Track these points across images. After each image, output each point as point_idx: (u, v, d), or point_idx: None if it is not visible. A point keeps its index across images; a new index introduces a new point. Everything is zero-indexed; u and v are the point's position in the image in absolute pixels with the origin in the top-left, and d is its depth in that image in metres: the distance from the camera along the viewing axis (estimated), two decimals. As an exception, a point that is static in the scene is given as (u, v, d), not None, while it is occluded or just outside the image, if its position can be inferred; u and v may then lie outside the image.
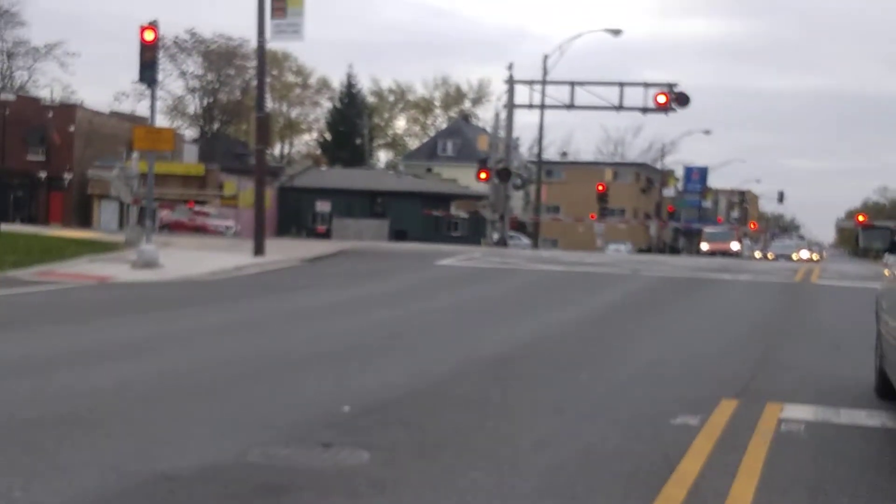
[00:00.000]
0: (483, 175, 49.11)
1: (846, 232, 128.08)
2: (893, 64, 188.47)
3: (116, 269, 22.28)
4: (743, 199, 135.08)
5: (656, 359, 12.29)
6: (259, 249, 28.17)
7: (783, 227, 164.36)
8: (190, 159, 69.97)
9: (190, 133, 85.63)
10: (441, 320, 15.80)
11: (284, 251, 29.64)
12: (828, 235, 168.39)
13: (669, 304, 19.31)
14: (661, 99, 45.82)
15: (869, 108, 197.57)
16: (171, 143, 26.18)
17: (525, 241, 63.09)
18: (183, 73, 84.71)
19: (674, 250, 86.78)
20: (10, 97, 65.30)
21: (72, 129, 63.89)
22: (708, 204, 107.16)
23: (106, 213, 61.40)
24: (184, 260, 25.07)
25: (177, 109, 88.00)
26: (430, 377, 10.24)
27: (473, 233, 66.53)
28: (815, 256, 79.10)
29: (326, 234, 65.80)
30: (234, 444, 7.07)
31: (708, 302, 20.19)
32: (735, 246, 71.75)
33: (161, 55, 79.42)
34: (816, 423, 8.60)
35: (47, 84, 72.85)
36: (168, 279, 21.25)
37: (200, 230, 54.83)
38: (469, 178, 67.48)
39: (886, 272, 9.99)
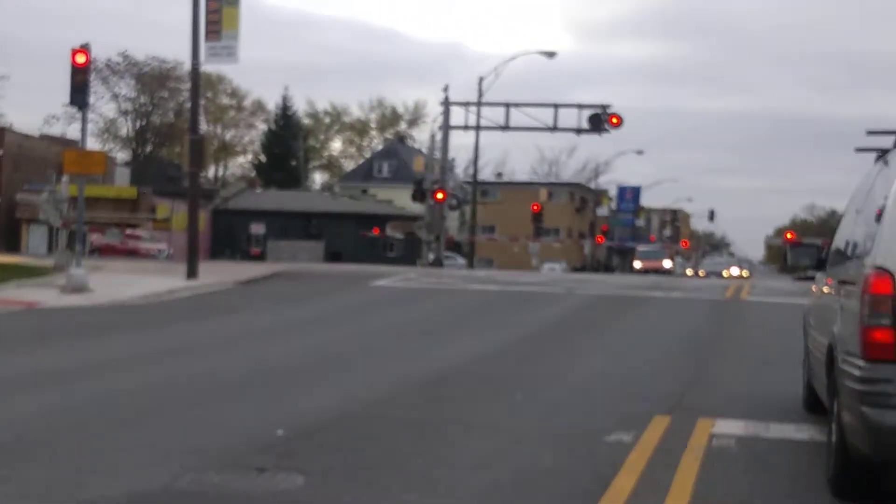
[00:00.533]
0: (419, 196, 49.17)
1: (775, 249, 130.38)
2: (818, 87, 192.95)
3: (45, 295, 21.86)
4: (675, 218, 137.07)
5: (590, 376, 12.38)
6: (192, 272, 27.85)
7: (714, 245, 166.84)
8: (122, 182, 69.05)
9: (122, 156, 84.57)
10: (377, 341, 15.75)
11: (218, 274, 29.35)
12: (757, 252, 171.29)
13: (603, 323, 19.47)
14: (595, 120, 46.34)
15: (796, 129, 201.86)
16: (103, 167, 25.82)
17: (461, 261, 63.24)
18: (115, 96, 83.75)
19: (608, 269, 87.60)
20: (-64, 120, 64.06)
21: (0, 152, 62.66)
22: (641, 223, 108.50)
23: (35, 237, 60.26)
24: (115, 284, 24.69)
25: (109, 132, 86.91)
26: (366, 399, 10.20)
27: (409, 253, 66.49)
28: (744, 273, 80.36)
29: (261, 257, 65.31)
30: (164, 471, 6.96)
31: (641, 319, 20.39)
32: (667, 264, 72.63)
33: (93, 78, 78.48)
34: (747, 438, 8.72)
35: (-26, 108, 71.32)
36: (98, 304, 20.90)
37: (132, 254, 54.06)
38: (405, 199, 67.53)
39: (814, 289, 10.19)
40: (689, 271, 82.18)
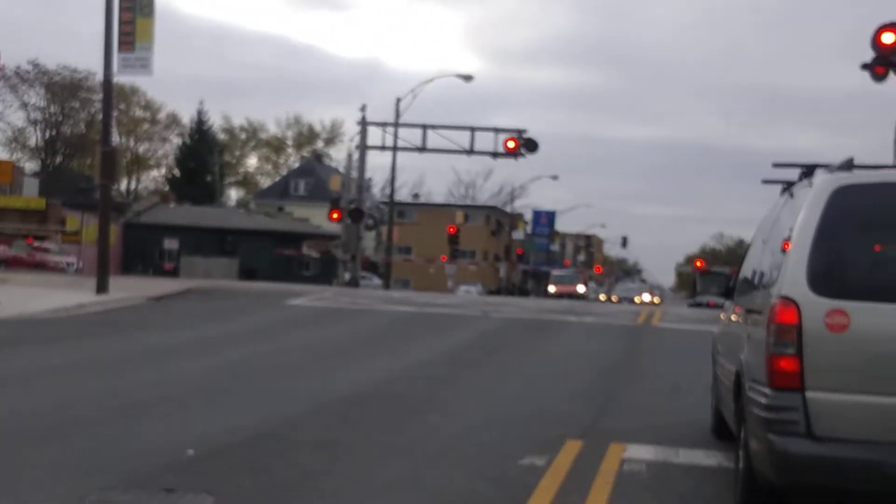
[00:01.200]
0: (335, 215, 48.99)
1: (685, 276, 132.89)
2: (729, 118, 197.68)
3: (-53, 307, 21.22)
4: (589, 243, 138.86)
5: (504, 399, 12.44)
6: (102, 287, 27.30)
7: (627, 271, 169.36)
8: (30, 193, 67.42)
9: (31, 166, 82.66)
10: (291, 361, 15.61)
11: (129, 289, 28.82)
12: (668, 279, 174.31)
13: (518, 346, 19.60)
14: (511, 144, 46.74)
15: (708, 159, 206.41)
16: (10, 176, 25.30)
17: (377, 281, 63.12)
18: (24, 105, 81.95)
19: (523, 292, 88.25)
20: None
21: None
22: (556, 247, 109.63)
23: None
24: (21, 297, 24.08)
25: (17, 141, 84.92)
26: (279, 419, 10.10)
27: (325, 273, 66.16)
28: (656, 300, 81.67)
29: (174, 273, 64.30)
30: (69, 492, 6.80)
31: (554, 343, 20.57)
32: (581, 288, 73.50)
33: (1, 85, 76.72)
34: (657, 464, 8.84)
35: None
36: (3, 317, 20.35)
37: (40, 266, 52.77)
38: (321, 218, 67.20)
39: (722, 317, 10.41)
40: (602, 296, 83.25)
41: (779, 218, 7.86)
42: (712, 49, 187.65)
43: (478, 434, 9.90)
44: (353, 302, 29.72)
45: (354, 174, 51.92)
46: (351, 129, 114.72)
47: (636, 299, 75.63)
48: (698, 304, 47.00)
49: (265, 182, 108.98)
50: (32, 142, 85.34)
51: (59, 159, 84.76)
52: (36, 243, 57.89)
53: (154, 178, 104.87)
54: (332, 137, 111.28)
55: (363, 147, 50.90)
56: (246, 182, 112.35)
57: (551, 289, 73.14)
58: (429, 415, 10.82)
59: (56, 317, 21.51)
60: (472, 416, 10.97)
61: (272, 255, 69.75)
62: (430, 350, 18.02)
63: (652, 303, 74.22)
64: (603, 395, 13.34)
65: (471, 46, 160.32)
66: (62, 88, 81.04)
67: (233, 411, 10.52)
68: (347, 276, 50.08)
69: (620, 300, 73.22)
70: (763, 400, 6.48)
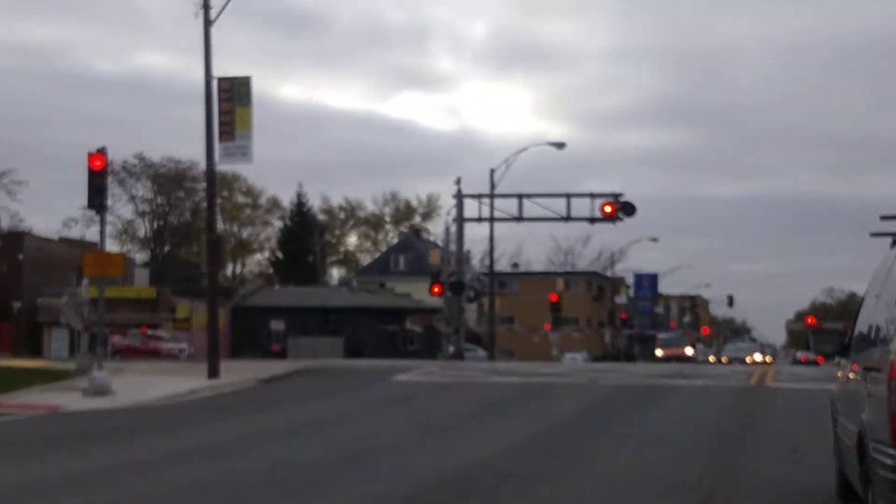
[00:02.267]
0: (436, 289, 49.24)
1: (796, 333, 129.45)
2: (831, 171, 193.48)
3: (68, 398, 21.86)
4: (694, 304, 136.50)
5: (617, 469, 12.23)
6: (213, 372, 27.83)
7: (735, 331, 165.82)
8: (141, 283, 69.43)
9: (140, 256, 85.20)
10: (399, 438, 15.63)
11: (239, 372, 29.32)
12: (779, 337, 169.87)
13: (628, 413, 19.29)
14: (608, 209, 46.55)
15: (810, 213, 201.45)
16: (121, 268, 26.05)
17: (481, 353, 62.95)
18: (132, 198, 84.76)
19: (629, 357, 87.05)
20: (-43, 227, 64.83)
21: (20, 256, 63.26)
22: (660, 310, 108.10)
23: (56, 340, 60.29)
24: (137, 385, 24.69)
25: (127, 233, 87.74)
26: (389, 497, 10.09)
27: (429, 347, 66.32)
28: (767, 359, 79.69)
29: (281, 354, 65.18)
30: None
31: (665, 408, 20.20)
32: (689, 351, 72.15)
33: (110, 180, 79.62)
34: (781, 530, 8.57)
35: (-6, 213, 72.19)
36: (121, 406, 20.89)
37: (154, 354, 54.09)
38: (422, 292, 67.56)
39: (839, 374, 10.11)
40: (711, 358, 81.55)
41: (891, 271, 7.66)
42: (812, 102, 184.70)
43: (593, 506, 9.73)
44: (459, 375, 29.70)
45: (453, 247, 52.21)
46: (447, 203, 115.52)
47: (747, 359, 73.87)
48: (796, 361, 45.45)
49: (365, 259, 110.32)
50: (141, 233, 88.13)
51: (167, 248, 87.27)
52: (149, 332, 59.45)
53: (258, 261, 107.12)
54: (429, 212, 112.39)
55: (460, 220, 51.23)
56: (347, 260, 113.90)
57: (658, 352, 71.96)
58: (541, 488, 10.69)
59: (170, 403, 21.97)
60: (587, 488, 10.80)
61: (376, 331, 70.28)
62: (539, 421, 17.85)
63: (764, 362, 72.41)
64: (719, 460, 13.02)
65: (561, 113, 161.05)
66: (167, 179, 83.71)
67: (342, 491, 10.55)
68: (451, 349, 50.09)
69: (730, 361, 71.62)
70: (889, 461, 6.26)
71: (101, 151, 24.72)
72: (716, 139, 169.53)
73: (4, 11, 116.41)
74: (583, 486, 10.98)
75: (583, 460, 13.02)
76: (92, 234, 77.27)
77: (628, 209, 46.63)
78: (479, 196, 51.07)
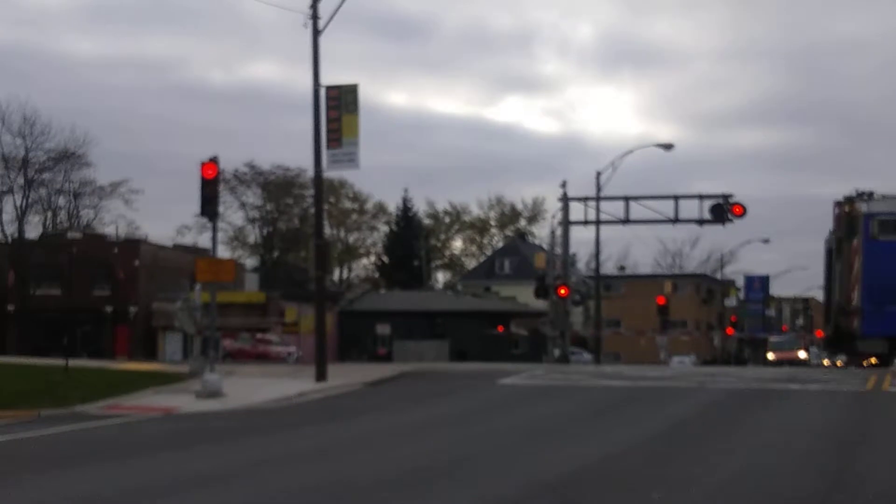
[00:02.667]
0: (563, 291, 48.99)
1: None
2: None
3: (181, 400, 22.44)
4: (807, 307, 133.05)
5: (728, 476, 11.99)
6: (321, 375, 28.23)
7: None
8: (251, 288, 70.90)
9: (250, 262, 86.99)
10: (505, 441, 15.61)
11: (346, 375, 29.68)
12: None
13: (738, 418, 18.91)
14: (718, 210, 45.76)
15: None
16: (232, 274, 26.62)
17: (587, 356, 62.50)
18: (243, 205, 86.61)
19: (739, 361, 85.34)
20: (78, 235, 67.16)
21: (136, 263, 65.32)
22: (771, 312, 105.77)
23: (170, 344, 62.12)
24: (247, 388, 25.20)
25: (237, 239, 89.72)
26: (495, 501, 10.08)
27: (535, 350, 66.08)
28: (873, 360, 77.09)
29: (387, 357, 65.77)
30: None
31: (778, 413, 19.75)
32: (802, 354, 70.42)
33: (221, 188, 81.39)
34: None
35: (112, 221, 74.49)
36: (232, 408, 21.34)
37: (263, 357, 55.16)
38: (528, 296, 67.41)
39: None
40: (825, 361, 79.39)
41: None
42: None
43: (702, 512, 9.57)
44: (565, 378, 29.54)
45: (558, 250, 51.96)
46: (552, 206, 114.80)
47: (864, 362, 71.66)
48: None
49: (471, 263, 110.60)
50: (251, 239, 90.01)
51: (276, 254, 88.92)
52: (258, 335, 60.65)
53: (364, 265, 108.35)
54: (535, 215, 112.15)
55: (566, 223, 50.95)
56: (452, 264, 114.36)
57: (770, 356, 70.41)
58: (649, 494, 10.56)
59: (279, 406, 22.35)
60: (696, 495, 10.63)
61: (481, 335, 70.39)
62: (647, 425, 17.63)
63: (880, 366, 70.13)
64: (834, 467, 12.66)
65: (669, 114, 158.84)
66: (276, 187, 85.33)
67: (450, 494, 10.59)
68: (557, 352, 49.83)
69: (846, 365, 69.63)
70: None
71: (213, 160, 25.32)
72: (826, 138, 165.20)
73: (123, 27, 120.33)
74: (692, 492, 10.81)
75: (692, 466, 12.81)
76: (204, 240, 79.38)
77: (738, 210, 45.76)
78: (584, 199, 50.73)
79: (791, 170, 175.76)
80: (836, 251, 38.74)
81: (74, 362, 28.09)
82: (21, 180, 64.35)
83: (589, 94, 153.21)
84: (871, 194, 36.75)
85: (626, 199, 48.67)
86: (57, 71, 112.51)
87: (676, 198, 48.03)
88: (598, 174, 52.03)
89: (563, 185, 50.32)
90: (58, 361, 28.28)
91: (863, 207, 36.66)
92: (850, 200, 37.41)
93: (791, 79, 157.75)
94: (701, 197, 47.32)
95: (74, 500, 10.29)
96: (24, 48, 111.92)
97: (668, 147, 53.49)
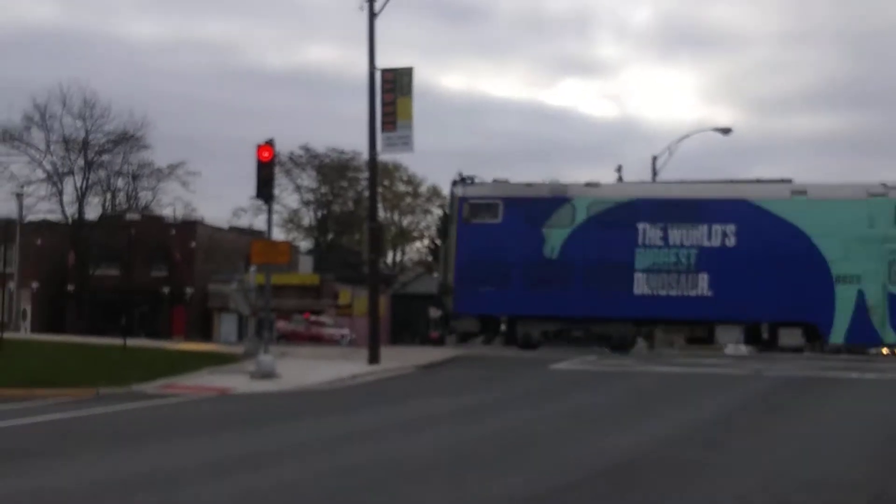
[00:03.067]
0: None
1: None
2: None
3: (236, 381, 22.69)
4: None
5: (782, 463, 11.86)
6: (374, 357, 28.37)
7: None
8: (305, 270, 71.42)
9: (305, 244, 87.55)
10: (557, 426, 15.57)
11: (399, 358, 29.80)
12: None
13: (794, 405, 18.69)
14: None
15: None
16: (287, 256, 26.82)
17: (640, 342, 62.05)
18: (298, 187, 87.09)
19: (796, 349, 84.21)
20: (136, 217, 68.13)
21: (193, 245, 66.13)
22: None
23: (226, 325, 62.84)
24: (301, 369, 25.40)
25: (292, 222, 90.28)
26: (548, 486, 10.07)
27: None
28: None
29: (440, 341, 65.92)
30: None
31: (835, 402, 19.48)
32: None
33: (277, 171, 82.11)
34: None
35: (170, 203, 75.41)
36: (286, 389, 21.54)
37: (316, 339, 55.59)
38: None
39: None
40: (884, 350, 78.00)
41: None
42: None
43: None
44: (618, 364, 29.39)
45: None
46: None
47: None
48: None
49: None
50: (306, 221, 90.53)
51: (330, 236, 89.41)
52: (312, 317, 61.12)
53: (418, 249, 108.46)
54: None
55: (620, 207, 50.52)
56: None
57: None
58: (702, 481, 10.48)
59: (332, 388, 22.51)
60: (748, 483, 10.52)
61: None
62: (701, 412, 17.50)
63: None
64: (892, 457, 12.46)
65: (728, 98, 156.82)
66: (331, 170, 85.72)
67: (502, 479, 10.59)
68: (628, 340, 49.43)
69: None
70: None
71: (269, 143, 25.48)
72: (891, 122, 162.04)
73: (182, 11, 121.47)
74: (746, 479, 10.70)
75: (745, 453, 12.69)
76: (259, 223, 79.90)
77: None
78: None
79: (853, 155, 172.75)
80: (442, 233, 39.66)
81: (132, 342, 28.55)
82: (81, 162, 65.34)
83: (646, 78, 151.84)
84: (472, 178, 37.97)
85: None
86: (117, 54, 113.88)
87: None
88: (654, 158, 51.52)
89: (619, 169, 49.92)
90: (116, 341, 28.74)
91: (458, 191, 38.02)
92: (454, 183, 38.20)
93: (854, 63, 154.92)
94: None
95: (130, 478, 10.46)
96: (85, 32, 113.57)
97: (726, 131, 52.81)
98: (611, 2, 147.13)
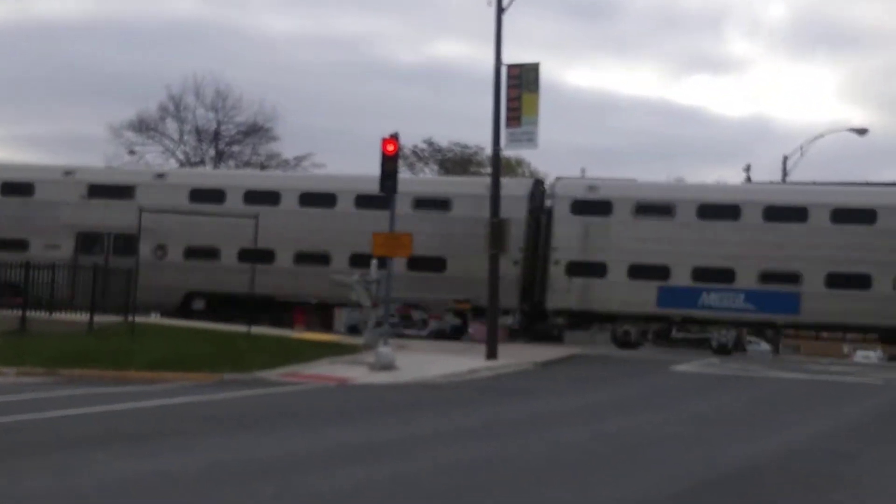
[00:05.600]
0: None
1: None
2: None
3: (355, 371, 22.92)
4: None
5: (918, 480, 11.34)
6: (492, 353, 28.30)
7: None
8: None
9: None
10: (676, 431, 15.23)
11: (517, 355, 29.66)
12: None
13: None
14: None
15: None
16: (409, 249, 26.95)
17: (764, 346, 60.49)
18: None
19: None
20: (263, 206, 69.44)
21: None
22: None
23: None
24: (419, 362, 25.51)
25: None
26: (668, 493, 9.83)
27: (706, 340, 64.33)
28: None
29: (558, 338, 65.43)
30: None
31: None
32: None
33: (400, 164, 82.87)
34: None
35: (296, 193, 77.02)
36: (404, 381, 21.65)
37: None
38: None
39: None
40: None
41: None
42: None
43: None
44: (742, 369, 28.69)
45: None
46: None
47: None
48: None
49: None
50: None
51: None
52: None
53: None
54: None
55: (748, 208, 49.36)
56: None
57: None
58: (831, 493, 10.08)
59: (449, 381, 22.53)
60: (882, 497, 10.08)
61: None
62: (829, 421, 16.90)
63: None
64: None
65: (866, 98, 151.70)
66: (454, 164, 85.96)
67: (619, 483, 10.40)
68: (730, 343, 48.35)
69: None
70: None
71: (394, 137, 25.65)
72: None
73: (315, 6, 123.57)
74: (880, 493, 10.26)
75: (876, 465, 12.18)
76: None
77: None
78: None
79: None
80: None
81: (256, 329, 29.10)
82: (212, 152, 67.06)
83: (780, 76, 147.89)
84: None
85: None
86: (250, 47, 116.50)
87: (867, 185, 45.83)
88: (785, 158, 50.21)
89: (747, 168, 48.96)
90: (240, 328, 29.35)
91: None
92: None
93: None
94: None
95: (249, 464, 10.62)
96: (221, 24, 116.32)
97: (861, 132, 51.08)
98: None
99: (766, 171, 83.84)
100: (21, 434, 12.45)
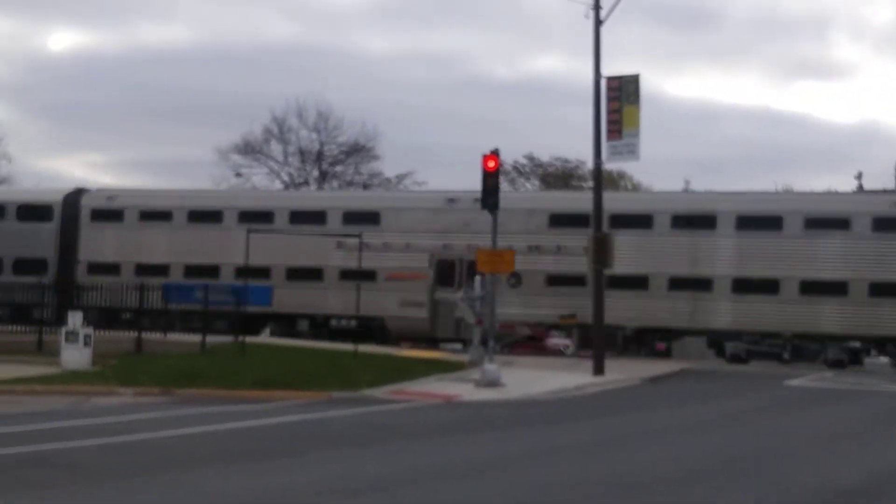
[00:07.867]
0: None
1: None
2: None
3: (462, 389, 22.92)
4: None
5: None
6: (599, 368, 28.03)
7: None
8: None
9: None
10: (788, 445, 14.84)
11: (624, 370, 29.31)
12: None
13: None
14: None
15: None
16: (513, 265, 26.88)
17: (882, 359, 58.56)
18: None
19: None
20: (367, 225, 70.22)
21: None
22: None
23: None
24: (525, 379, 25.38)
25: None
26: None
27: (814, 353, 62.55)
28: None
29: (667, 353, 64.46)
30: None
31: None
32: None
33: (501, 180, 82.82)
34: None
35: (398, 212, 77.74)
36: (510, 398, 21.56)
37: (540, 349, 55.50)
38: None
39: None
40: None
41: None
42: None
43: None
44: (857, 382, 27.85)
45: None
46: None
47: None
48: None
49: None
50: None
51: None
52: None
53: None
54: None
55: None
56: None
57: None
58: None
59: (557, 398, 22.36)
60: None
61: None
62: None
63: None
64: None
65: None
66: (555, 178, 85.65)
67: (729, 497, 10.16)
68: (845, 356, 46.89)
69: None
70: None
71: (495, 152, 25.65)
72: None
73: (412, 24, 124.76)
74: None
75: None
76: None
77: None
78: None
79: None
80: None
81: (363, 348, 29.35)
82: (316, 173, 68.13)
83: (887, 81, 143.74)
84: None
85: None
86: (349, 68, 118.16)
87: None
88: (898, 165, 48.68)
89: (859, 176, 47.68)
90: (347, 346, 29.66)
91: None
92: None
93: None
94: None
95: (354, 481, 10.70)
96: (320, 47, 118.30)
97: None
98: (849, 0, 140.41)
99: (879, 179, 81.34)
100: (135, 454, 12.77)
